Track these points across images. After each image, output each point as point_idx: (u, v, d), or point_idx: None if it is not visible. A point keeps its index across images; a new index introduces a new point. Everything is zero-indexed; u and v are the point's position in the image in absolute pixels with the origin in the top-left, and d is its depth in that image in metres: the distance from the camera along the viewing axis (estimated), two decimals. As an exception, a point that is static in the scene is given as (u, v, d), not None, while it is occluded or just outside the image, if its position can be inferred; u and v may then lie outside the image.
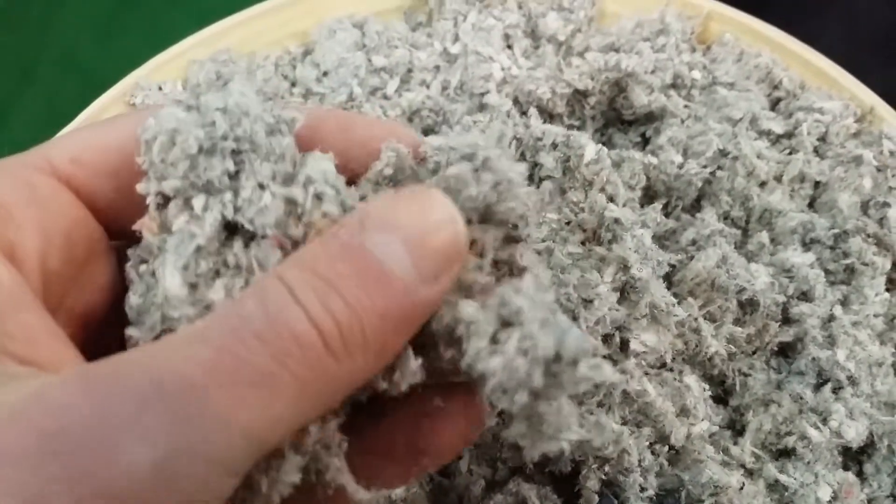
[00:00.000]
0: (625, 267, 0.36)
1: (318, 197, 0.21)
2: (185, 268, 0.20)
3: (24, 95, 0.61)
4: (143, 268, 0.21)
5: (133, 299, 0.22)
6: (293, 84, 0.47)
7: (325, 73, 0.46)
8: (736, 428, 0.37)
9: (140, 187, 0.21)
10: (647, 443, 0.34)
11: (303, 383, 0.17)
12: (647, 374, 0.35)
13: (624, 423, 0.34)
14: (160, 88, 0.46)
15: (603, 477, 0.33)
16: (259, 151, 0.21)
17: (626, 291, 0.36)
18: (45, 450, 0.15)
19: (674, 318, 0.35)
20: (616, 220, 0.37)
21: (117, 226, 0.23)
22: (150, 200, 0.21)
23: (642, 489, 0.33)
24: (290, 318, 0.17)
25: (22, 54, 0.63)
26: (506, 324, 0.19)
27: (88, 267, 0.23)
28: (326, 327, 0.17)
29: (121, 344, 0.22)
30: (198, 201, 0.21)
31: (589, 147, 0.39)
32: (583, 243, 0.37)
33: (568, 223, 0.38)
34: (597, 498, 0.32)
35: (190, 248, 0.20)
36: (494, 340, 0.19)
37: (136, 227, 0.22)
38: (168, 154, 0.20)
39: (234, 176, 0.21)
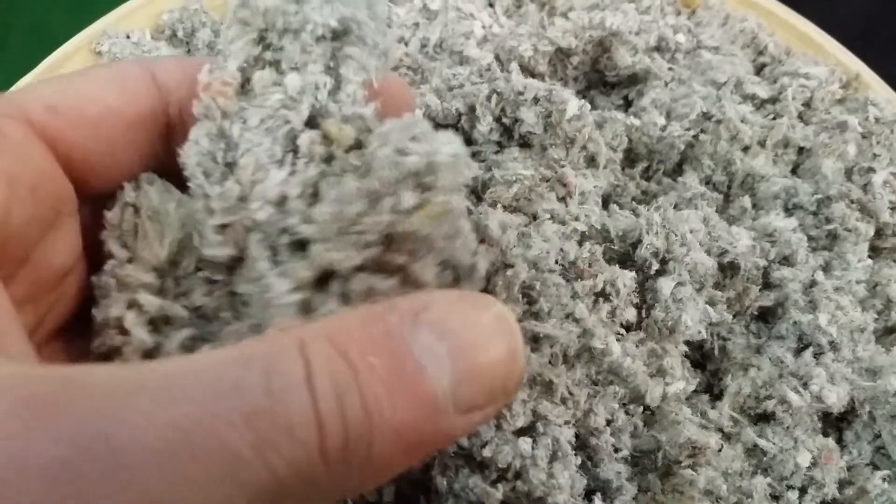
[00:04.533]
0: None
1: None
2: (270, 154, 0.19)
3: (-5, 62, 0.60)
4: (205, 125, 0.20)
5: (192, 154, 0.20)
6: (267, 37, 0.45)
7: (301, 27, 0.45)
8: (714, 392, 0.36)
9: (230, 32, 0.19)
10: (619, 403, 0.32)
11: (277, 482, 0.14)
12: (618, 334, 0.33)
13: (594, 384, 0.32)
14: (128, 37, 0.44)
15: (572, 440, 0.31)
16: (364, 41, 0.19)
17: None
18: None
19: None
20: None
21: (94, 182, 0.21)
22: (238, 54, 0.19)
23: (616, 450, 0.32)
24: (293, 403, 0.14)
25: (-7, 22, 0.62)
26: None
27: (52, 230, 0.21)
28: (331, 428, 0.14)
29: (76, 314, 0.21)
30: (292, 81, 0.19)
31: (571, 102, 0.37)
32: (561, 199, 0.36)
33: (547, 180, 0.37)
34: None
35: (281, 132, 0.19)
36: None
37: (201, 87, 0.20)
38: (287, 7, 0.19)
39: (333, 65, 0.19)
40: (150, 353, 0.20)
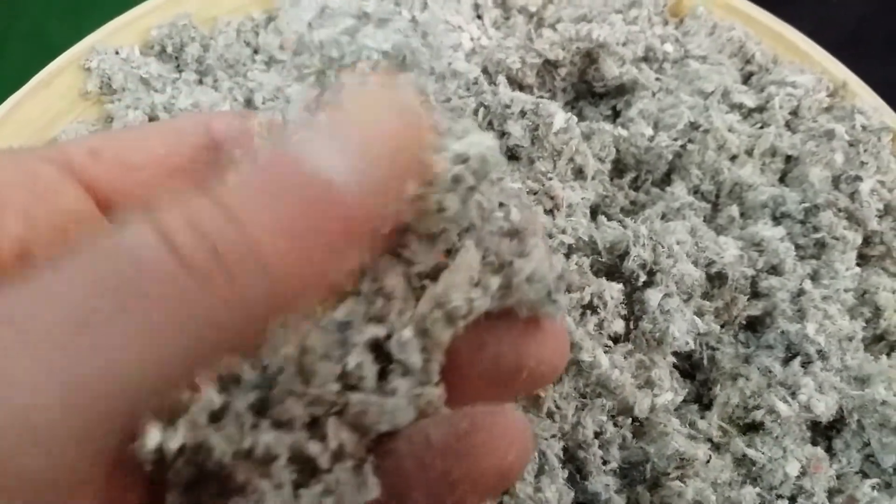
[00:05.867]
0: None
1: None
2: None
3: (-8, 69, 0.60)
4: None
5: None
6: (255, 52, 0.45)
7: (290, 41, 0.45)
8: (703, 402, 0.36)
9: (290, 77, 0.19)
10: (608, 415, 0.33)
11: (192, 337, 0.13)
12: (606, 346, 0.34)
13: (582, 397, 0.32)
14: (117, 53, 0.44)
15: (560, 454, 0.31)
16: (420, 66, 0.19)
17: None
18: None
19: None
20: None
21: None
22: (297, 100, 0.19)
23: (605, 462, 0.32)
24: (130, 232, 0.13)
25: (-10, 29, 0.63)
26: None
27: None
28: (181, 239, 0.13)
29: None
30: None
31: (558, 115, 0.38)
32: (548, 212, 0.36)
33: (535, 193, 0.37)
34: None
35: None
36: None
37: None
38: None
39: None
40: (216, 415, 0.19)
